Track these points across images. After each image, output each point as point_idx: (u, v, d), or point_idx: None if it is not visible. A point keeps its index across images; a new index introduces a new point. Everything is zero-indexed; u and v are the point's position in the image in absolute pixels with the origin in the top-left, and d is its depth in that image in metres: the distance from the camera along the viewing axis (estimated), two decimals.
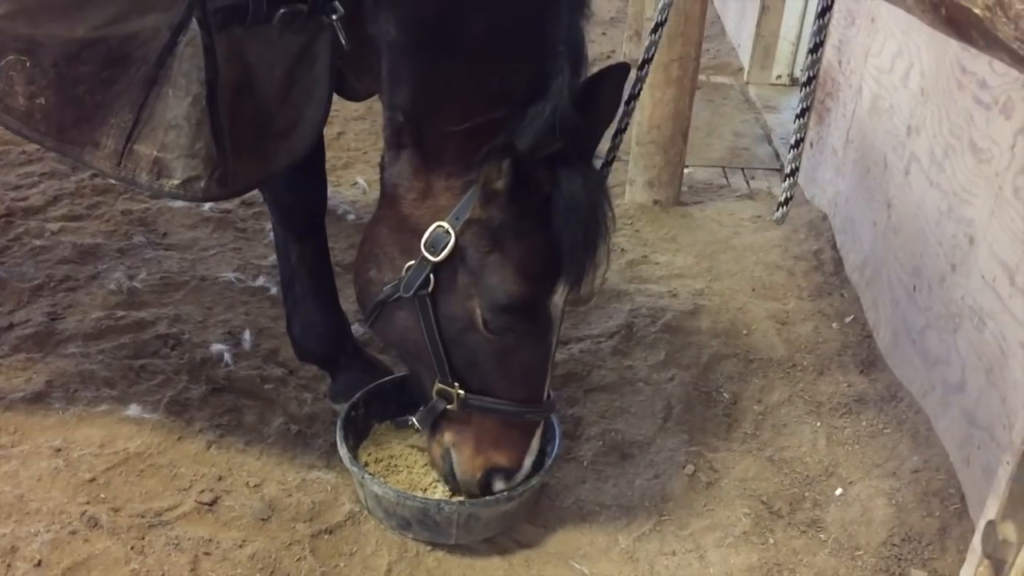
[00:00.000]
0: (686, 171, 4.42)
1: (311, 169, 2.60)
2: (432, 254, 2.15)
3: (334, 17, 2.12)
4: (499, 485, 2.36)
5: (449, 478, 2.42)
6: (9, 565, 2.25)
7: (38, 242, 3.51)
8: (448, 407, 2.29)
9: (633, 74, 2.34)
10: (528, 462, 2.38)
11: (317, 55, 2.19)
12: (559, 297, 2.21)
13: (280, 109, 2.20)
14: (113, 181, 3.34)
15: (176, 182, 2.08)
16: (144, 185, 2.10)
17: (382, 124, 2.30)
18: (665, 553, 2.50)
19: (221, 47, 2.02)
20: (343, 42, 2.14)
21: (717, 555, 2.50)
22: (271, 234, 3.41)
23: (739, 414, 3.02)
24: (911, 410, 3.00)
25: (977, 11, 1.19)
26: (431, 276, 2.16)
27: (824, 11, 2.19)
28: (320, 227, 2.72)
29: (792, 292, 3.68)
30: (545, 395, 2.34)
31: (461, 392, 2.25)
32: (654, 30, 2.47)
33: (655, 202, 4.26)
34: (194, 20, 1.97)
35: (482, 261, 2.14)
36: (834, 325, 3.47)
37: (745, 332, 3.42)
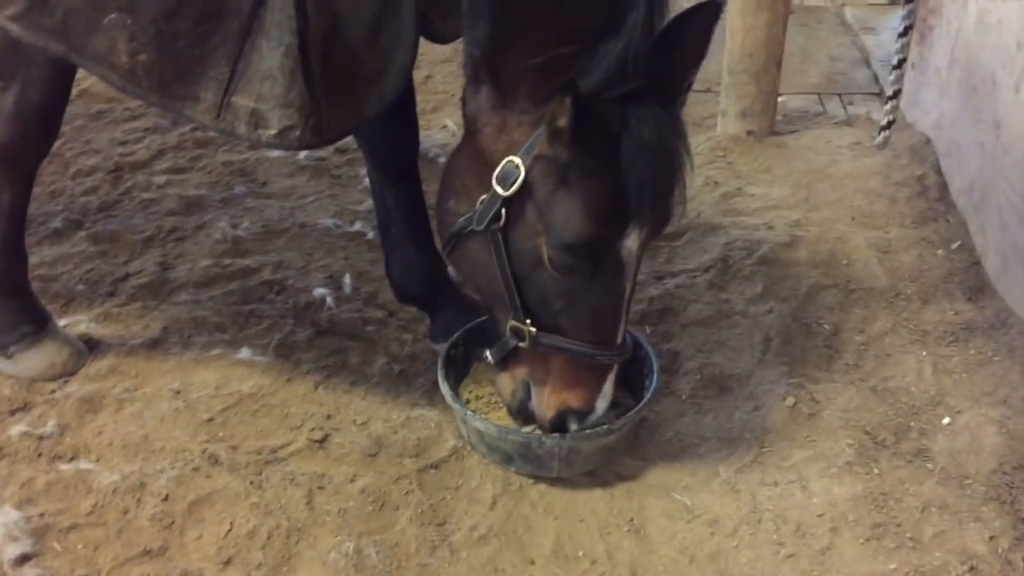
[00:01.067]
0: (780, 99, 4.30)
1: (402, 114, 2.64)
2: (503, 188, 2.15)
3: None
4: (572, 426, 2.37)
5: (519, 413, 2.45)
6: (139, 500, 2.39)
7: (146, 195, 3.65)
8: (520, 344, 2.30)
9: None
10: (601, 405, 2.37)
11: (403, 0, 2.20)
12: (632, 241, 2.18)
13: (369, 55, 2.23)
14: (213, 134, 3.44)
15: (273, 132, 2.13)
16: (243, 136, 2.16)
17: (462, 61, 2.30)
18: (767, 484, 2.50)
19: None
20: None
21: (820, 485, 2.49)
22: (366, 180, 3.48)
23: (840, 345, 2.97)
24: (1022, 336, 2.91)
25: None
26: (502, 210, 2.17)
27: None
28: (414, 171, 2.76)
29: (894, 219, 3.58)
30: (619, 339, 2.32)
31: (532, 329, 2.26)
32: None
33: (748, 133, 4.17)
34: None
35: (548, 198, 2.13)
36: (939, 252, 3.37)
37: (845, 262, 3.35)
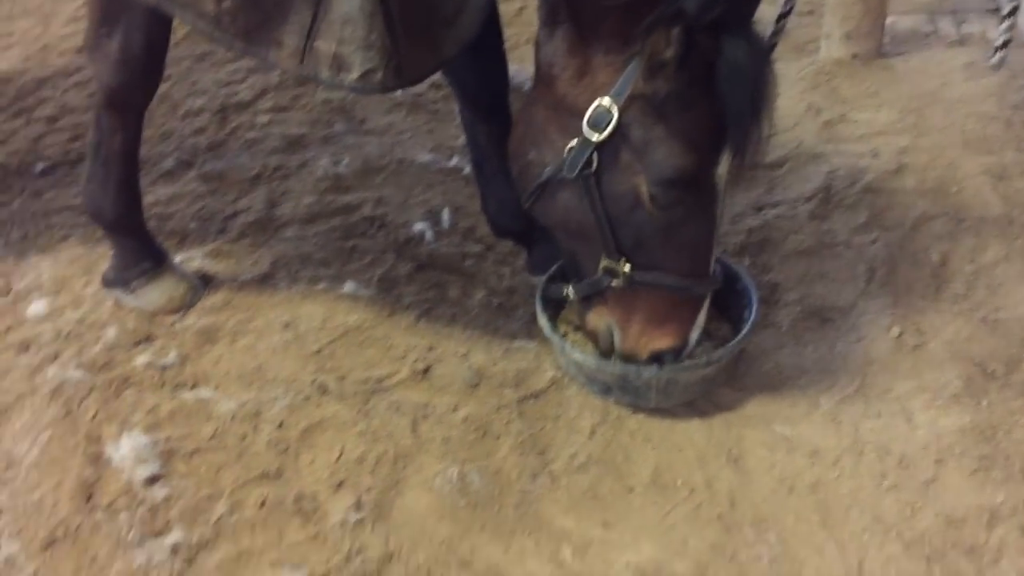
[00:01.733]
0: (888, 20, 4.12)
1: (489, 50, 2.63)
2: (595, 133, 2.13)
3: None
4: (668, 364, 2.38)
5: (608, 349, 2.45)
6: (255, 427, 2.52)
7: (250, 134, 3.76)
8: (613, 283, 2.30)
9: None
10: (694, 336, 2.38)
11: None
12: (723, 168, 2.17)
13: None
14: None
15: (355, 76, 2.13)
16: (326, 80, 2.16)
17: (537, 3, 2.26)
18: (869, 416, 2.48)
19: None
20: None
21: (926, 417, 2.46)
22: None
23: (949, 275, 2.89)
24: None
25: None
26: (594, 155, 2.15)
27: None
28: (505, 106, 2.76)
29: (1010, 144, 3.42)
30: (711, 269, 2.32)
31: (627, 268, 2.27)
32: None
33: (854, 56, 4.02)
34: None
35: (647, 136, 2.11)
36: None
37: (956, 190, 3.23)
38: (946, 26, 4.33)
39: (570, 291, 2.46)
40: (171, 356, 2.73)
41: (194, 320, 2.86)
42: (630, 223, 2.23)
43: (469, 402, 2.59)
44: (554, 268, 2.75)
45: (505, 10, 4.51)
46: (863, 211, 3.16)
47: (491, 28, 2.58)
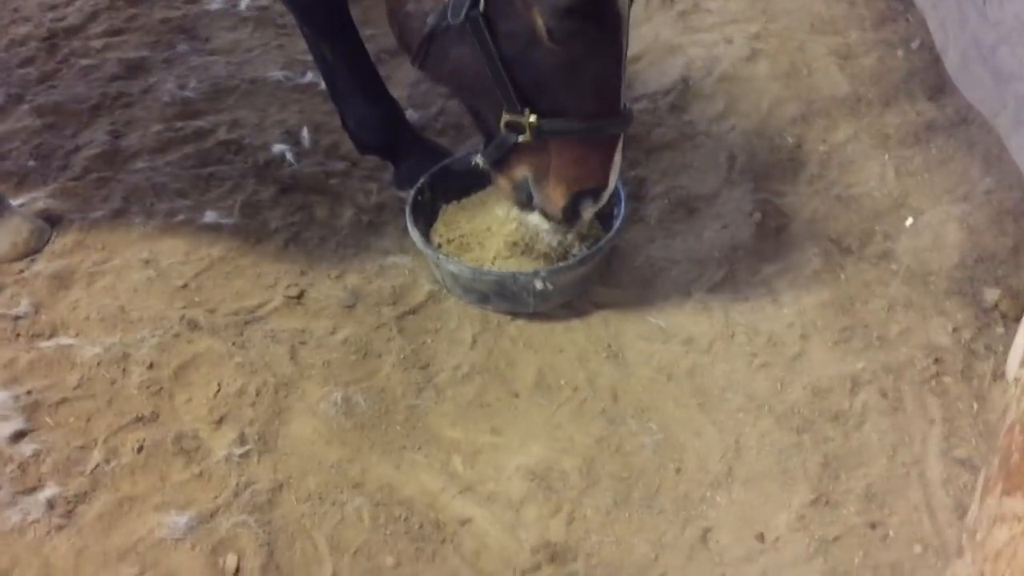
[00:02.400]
0: None
1: None
2: None
3: None
4: (588, 209, 2.26)
5: (526, 208, 2.35)
6: (124, 370, 2.42)
7: (85, 61, 3.51)
8: (520, 139, 2.14)
9: None
10: (614, 178, 2.24)
11: None
12: None
13: None
14: None
15: None
16: None
17: None
18: (738, 300, 2.57)
19: None
20: None
21: (790, 296, 2.56)
22: None
23: (804, 156, 2.99)
24: (982, 131, 2.94)
25: None
26: None
27: None
28: (346, 19, 2.63)
29: (854, 23, 3.52)
30: (622, 105, 2.16)
31: (532, 119, 2.10)
32: None
33: None
34: None
35: None
36: (900, 53, 3.34)
37: (806, 72, 3.31)
38: None
39: (478, 159, 2.31)
40: (23, 305, 2.57)
41: (44, 265, 2.70)
42: (529, 65, 2.04)
43: (347, 323, 2.55)
44: (423, 179, 2.70)
45: None
46: (720, 100, 3.21)
47: None
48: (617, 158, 2.23)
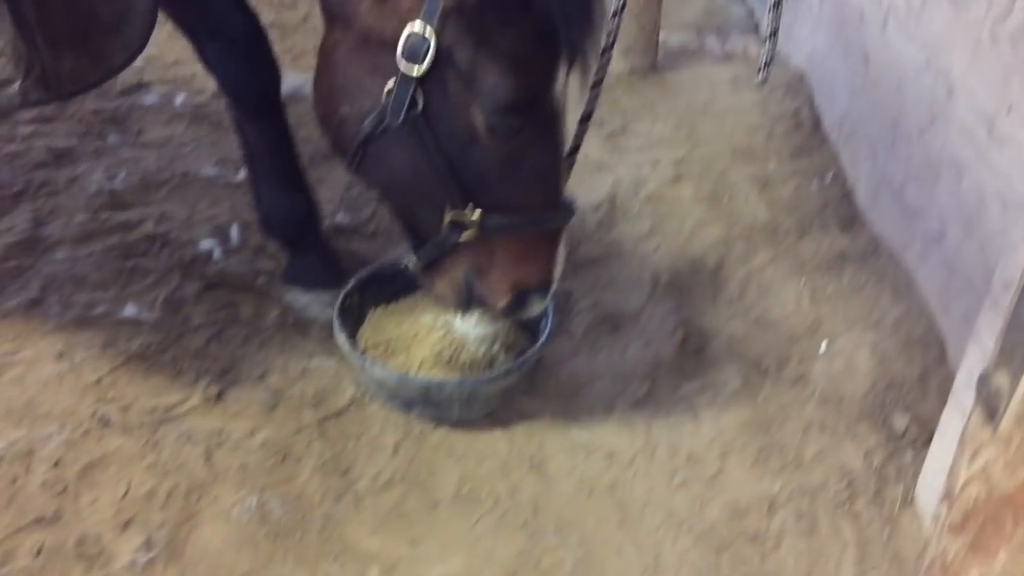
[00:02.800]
0: (661, 37, 4.36)
1: (249, 45, 2.51)
2: (413, 66, 1.90)
3: None
4: (536, 306, 2.22)
5: (466, 308, 2.28)
6: (28, 468, 2.31)
7: (11, 147, 3.45)
8: (463, 236, 2.11)
9: None
10: (558, 272, 2.22)
11: None
12: (561, 83, 2.01)
13: (103, 1, 2.03)
14: None
15: None
16: None
17: None
18: (660, 416, 2.60)
19: None
20: None
21: (710, 414, 2.61)
22: None
23: (725, 279, 3.09)
24: (891, 263, 3.08)
25: None
26: (418, 92, 1.93)
27: None
28: (276, 103, 2.62)
29: (772, 152, 3.71)
30: (561, 196, 2.18)
31: (475, 215, 2.07)
32: None
33: (631, 71, 4.22)
34: None
35: (472, 58, 1.90)
36: (814, 184, 3.52)
37: (727, 198, 3.45)
38: (712, 42, 4.63)
39: (411, 261, 2.26)
40: None
41: None
42: (471, 163, 2.03)
43: (267, 426, 2.49)
44: (352, 283, 2.70)
45: (290, 18, 4.42)
46: (646, 219, 3.31)
47: (249, 21, 2.49)
48: (561, 253, 2.22)
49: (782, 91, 4.04)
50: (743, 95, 4.07)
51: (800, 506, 2.37)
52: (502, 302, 2.22)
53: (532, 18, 1.87)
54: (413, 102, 1.95)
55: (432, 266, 2.25)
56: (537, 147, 2.05)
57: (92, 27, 2.00)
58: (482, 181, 2.06)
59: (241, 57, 2.50)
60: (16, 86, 1.94)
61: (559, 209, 2.18)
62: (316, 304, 2.81)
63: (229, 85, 2.59)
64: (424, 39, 1.88)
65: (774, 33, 2.45)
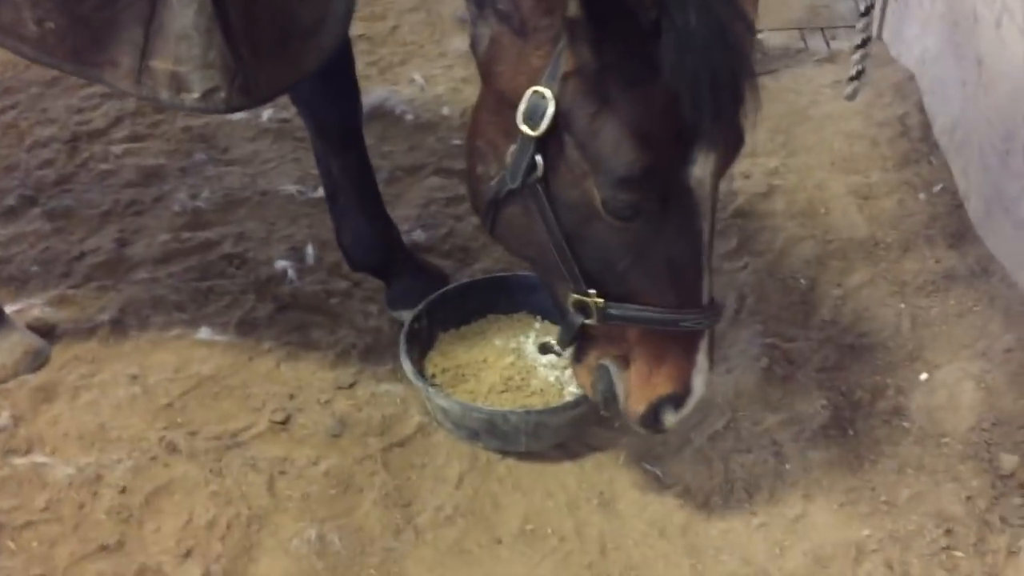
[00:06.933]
0: (759, 36, 4.15)
1: (340, 76, 2.49)
2: (531, 127, 1.80)
3: None
4: (669, 418, 2.01)
5: (608, 408, 2.12)
6: (95, 493, 2.34)
7: (103, 166, 3.54)
8: (586, 321, 1.98)
9: None
10: (699, 383, 2.00)
11: None
12: (700, 167, 1.78)
13: (302, 5, 2.06)
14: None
15: (196, 95, 1.99)
16: (166, 101, 2.02)
17: None
18: (739, 451, 2.45)
19: None
20: None
21: (794, 450, 2.44)
22: None
23: (817, 300, 2.90)
24: (1003, 285, 2.83)
25: None
26: (536, 156, 1.83)
27: None
28: (358, 136, 2.63)
29: (875, 163, 3.47)
30: (705, 296, 1.95)
31: (599, 300, 1.93)
32: None
33: None
34: None
35: (589, 124, 1.76)
36: (921, 196, 3.27)
37: (824, 211, 3.25)
38: (816, 42, 4.37)
39: (556, 347, 2.13)
40: (3, 418, 2.51)
41: (31, 376, 2.64)
42: (591, 240, 1.88)
43: (331, 454, 2.46)
44: (420, 307, 2.65)
45: (379, 30, 4.41)
46: (734, 236, 3.14)
47: (341, 51, 2.46)
48: (703, 360, 1.99)
49: (890, 95, 3.78)
50: (847, 100, 3.83)
51: (891, 555, 2.19)
52: (638, 413, 2.02)
53: (661, 85, 1.68)
54: (532, 165, 1.85)
55: (577, 350, 2.12)
56: (665, 235, 1.85)
57: (291, 32, 2.04)
58: (602, 264, 1.91)
59: (331, 85, 2.48)
60: (222, 94, 1.99)
61: (699, 309, 1.95)
62: None
63: (317, 117, 2.59)
64: (544, 99, 1.78)
65: (865, 42, 2.25)
